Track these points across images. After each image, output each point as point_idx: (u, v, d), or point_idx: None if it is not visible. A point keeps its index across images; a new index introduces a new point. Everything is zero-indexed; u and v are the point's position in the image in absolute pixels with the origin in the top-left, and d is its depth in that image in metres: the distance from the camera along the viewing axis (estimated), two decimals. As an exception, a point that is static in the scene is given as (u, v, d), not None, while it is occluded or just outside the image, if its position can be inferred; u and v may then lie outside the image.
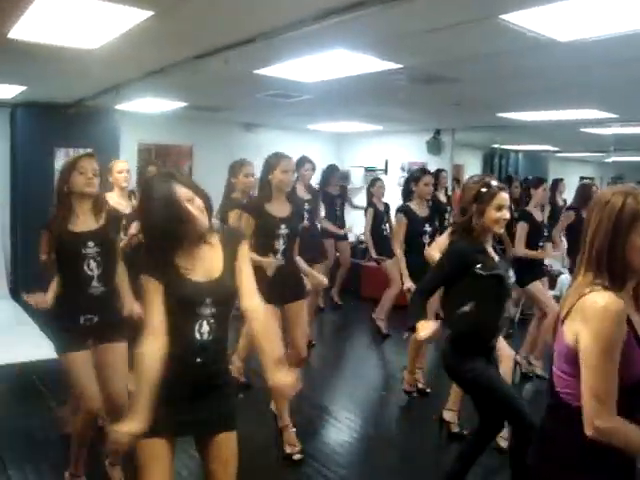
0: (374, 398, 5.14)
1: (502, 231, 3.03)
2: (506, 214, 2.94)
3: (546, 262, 6.03)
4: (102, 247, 3.16)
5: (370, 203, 7.31)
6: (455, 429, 4.23)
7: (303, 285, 4.13)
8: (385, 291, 6.93)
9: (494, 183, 2.99)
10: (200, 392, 2.22)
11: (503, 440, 3.79)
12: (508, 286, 3.02)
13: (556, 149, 11.06)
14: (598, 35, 3.63)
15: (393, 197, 7.33)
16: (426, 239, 5.01)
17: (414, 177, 5.23)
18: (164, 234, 2.13)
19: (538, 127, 8.33)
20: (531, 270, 5.27)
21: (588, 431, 1.64)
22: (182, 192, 2.13)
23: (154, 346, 2.15)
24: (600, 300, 1.64)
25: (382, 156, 10.15)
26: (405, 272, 4.94)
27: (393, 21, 3.51)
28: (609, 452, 1.68)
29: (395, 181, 9.32)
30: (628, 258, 1.67)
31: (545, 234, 5.58)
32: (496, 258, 3.02)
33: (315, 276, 4.28)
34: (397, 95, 6.20)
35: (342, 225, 8.00)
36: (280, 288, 3.76)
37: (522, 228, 5.34)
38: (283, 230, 3.86)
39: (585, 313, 1.66)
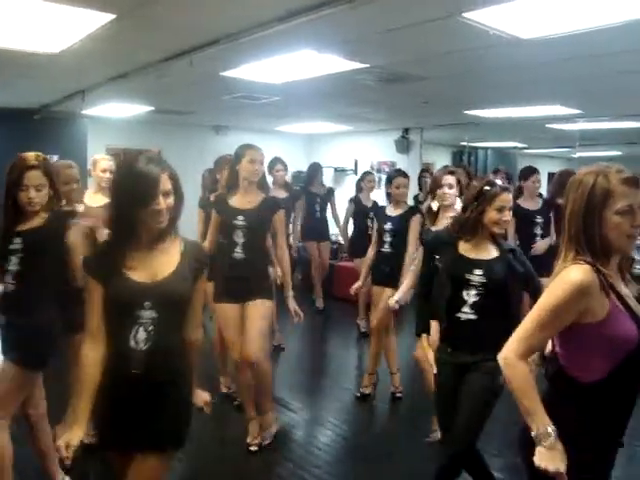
0: (349, 399, 5.12)
1: (502, 232, 2.96)
2: (507, 215, 2.88)
3: None
4: (27, 247, 2.96)
5: (353, 197, 7.29)
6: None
7: (266, 284, 4.02)
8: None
9: (499, 182, 2.93)
10: (137, 405, 2.11)
11: None
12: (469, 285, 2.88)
13: (524, 145, 11.19)
14: (560, 32, 3.68)
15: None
16: (387, 238, 4.86)
17: (387, 179, 5.19)
18: (132, 207, 2.06)
19: (505, 124, 8.40)
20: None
21: (499, 356, 1.82)
22: (164, 182, 2.11)
23: (94, 352, 2.12)
24: (571, 270, 1.72)
25: (351, 156, 10.20)
26: (364, 274, 4.98)
27: (358, 21, 3.51)
28: (599, 429, 1.77)
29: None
30: (604, 235, 1.72)
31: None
32: (478, 257, 2.91)
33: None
34: (365, 95, 6.22)
35: (324, 227, 7.91)
36: (238, 285, 3.78)
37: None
38: (240, 222, 3.76)
39: (556, 276, 1.76)
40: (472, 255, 2.94)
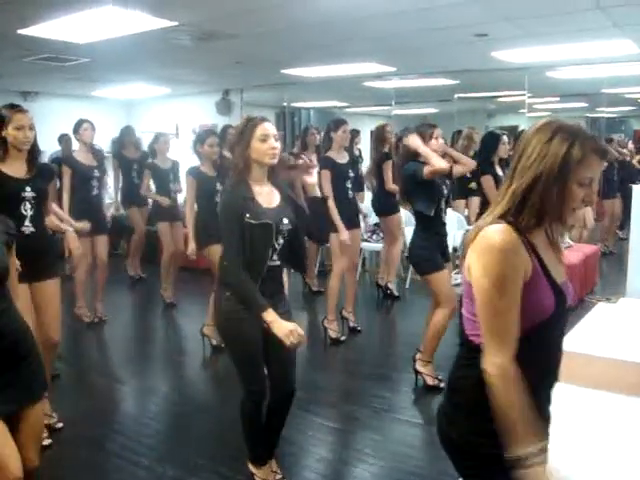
0: (179, 365, 5.06)
1: (274, 162, 2.77)
2: (273, 144, 2.71)
3: None
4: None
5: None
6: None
7: (56, 260, 3.70)
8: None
9: (257, 116, 2.79)
10: None
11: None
12: (279, 233, 2.79)
13: (345, 104, 11.55)
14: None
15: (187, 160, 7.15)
16: (218, 197, 4.89)
17: (200, 139, 5.17)
18: None
19: (324, 83, 8.56)
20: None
21: (485, 365, 1.52)
22: None
23: None
24: (492, 234, 1.52)
25: (173, 120, 9.99)
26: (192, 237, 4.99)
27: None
28: None
29: (187, 145, 9.13)
30: (557, 203, 1.52)
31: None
32: (264, 205, 2.76)
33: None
34: (180, 55, 6.10)
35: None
36: (30, 263, 3.20)
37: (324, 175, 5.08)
38: (28, 193, 3.35)
39: (476, 246, 1.55)
40: (265, 204, 2.79)
